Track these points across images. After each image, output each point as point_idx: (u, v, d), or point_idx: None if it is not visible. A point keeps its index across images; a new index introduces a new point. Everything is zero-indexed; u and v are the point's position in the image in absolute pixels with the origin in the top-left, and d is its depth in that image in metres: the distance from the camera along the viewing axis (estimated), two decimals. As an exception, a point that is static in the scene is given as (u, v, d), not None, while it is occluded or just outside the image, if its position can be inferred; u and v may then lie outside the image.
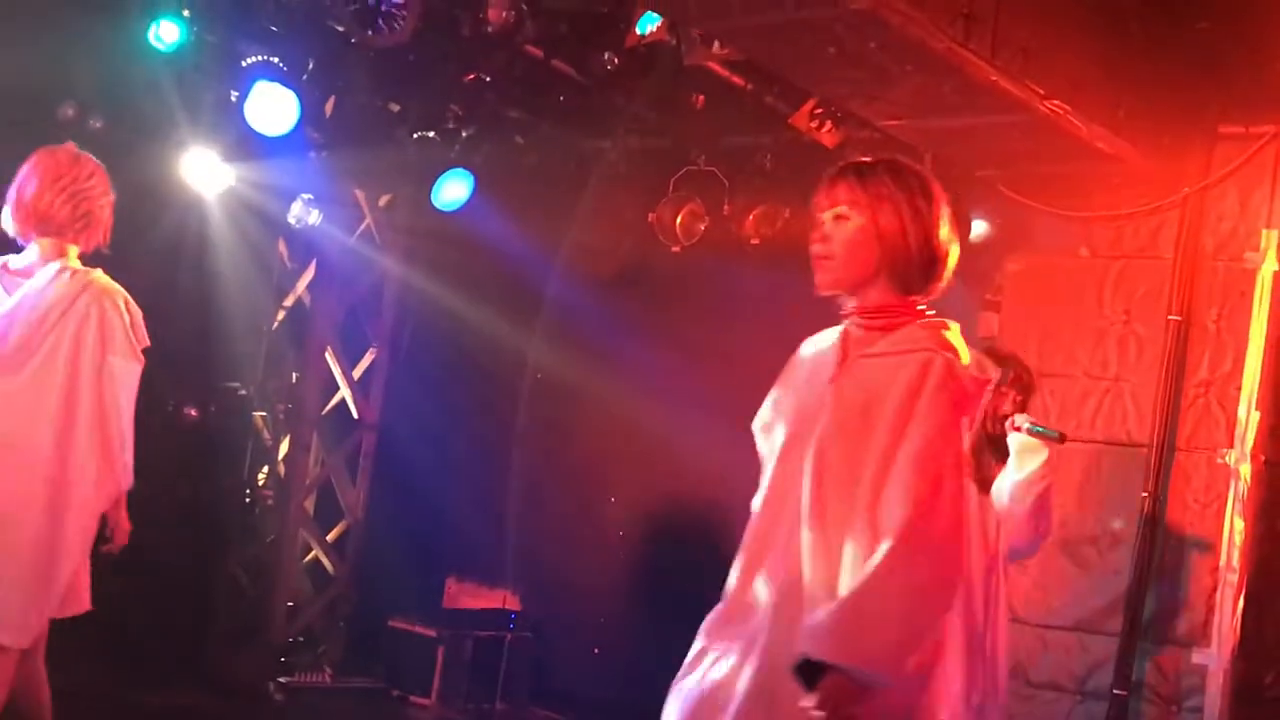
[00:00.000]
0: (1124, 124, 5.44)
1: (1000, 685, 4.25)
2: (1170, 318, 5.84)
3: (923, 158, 6.15)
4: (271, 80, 6.11)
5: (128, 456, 4.26)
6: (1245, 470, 5.54)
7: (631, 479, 7.69)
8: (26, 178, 4.29)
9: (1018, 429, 4.44)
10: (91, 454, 4.19)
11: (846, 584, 2.85)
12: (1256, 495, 5.55)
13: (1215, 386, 5.74)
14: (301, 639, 7.86)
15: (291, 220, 7.46)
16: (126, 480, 4.28)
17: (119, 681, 6.73)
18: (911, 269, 3.04)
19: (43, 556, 4.11)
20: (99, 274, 4.30)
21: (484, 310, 7.83)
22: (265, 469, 8.10)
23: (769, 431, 3.18)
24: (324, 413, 8.31)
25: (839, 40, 4.62)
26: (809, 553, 2.94)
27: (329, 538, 8.31)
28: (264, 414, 8.10)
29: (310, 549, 8.32)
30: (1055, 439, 4.34)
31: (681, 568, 7.35)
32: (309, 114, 6.28)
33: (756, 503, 3.12)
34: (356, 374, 8.37)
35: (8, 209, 4.33)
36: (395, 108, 6.95)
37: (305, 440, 8.18)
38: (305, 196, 7.38)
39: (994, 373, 4.24)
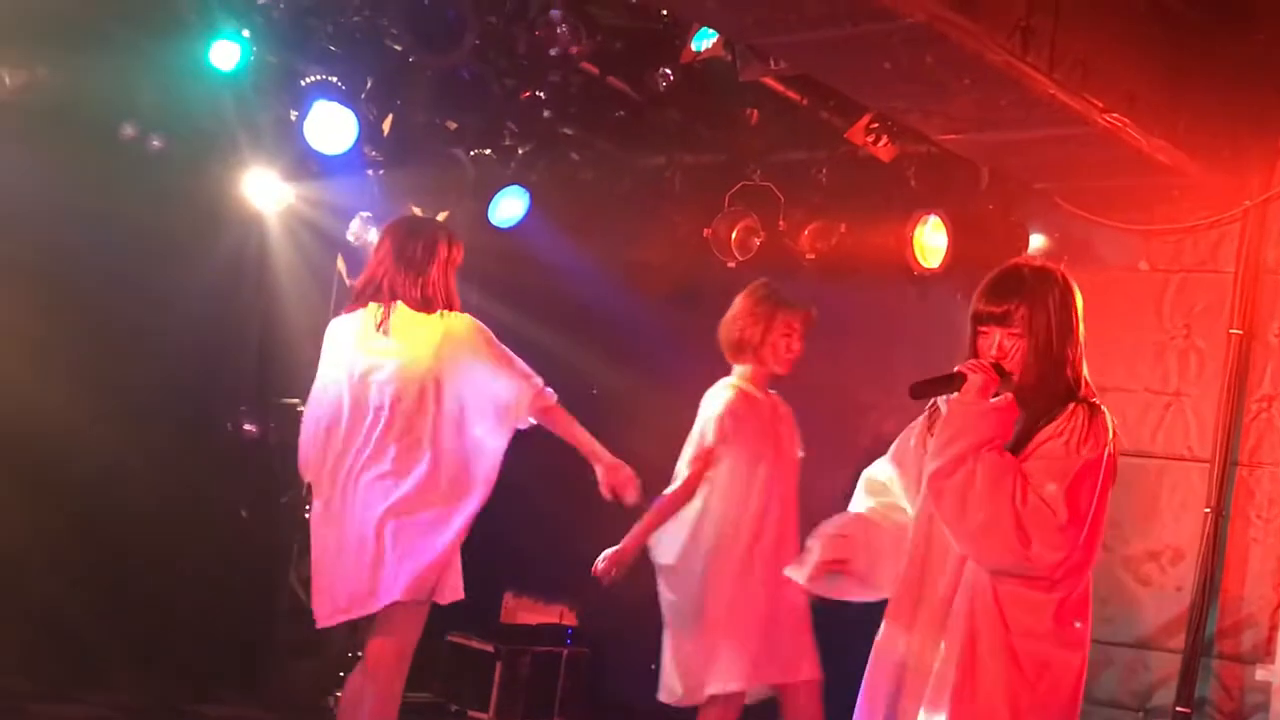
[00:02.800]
0: (1184, 137, 5.39)
1: None
2: (1231, 331, 5.78)
3: (980, 171, 6.15)
4: (330, 99, 6.17)
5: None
6: (1309, 485, 5.48)
7: (687, 494, 7.66)
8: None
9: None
10: None
11: None
12: (1320, 510, 5.50)
13: (1278, 401, 5.69)
14: (360, 654, 7.88)
15: (350, 238, 7.52)
16: None
17: (180, 695, 6.79)
18: None
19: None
20: (732, 384, 5.65)
21: (539, 326, 7.84)
22: (324, 484, 8.14)
23: None
24: (381, 428, 8.34)
25: (895, 54, 4.61)
26: None
27: (387, 553, 8.34)
28: (323, 429, 8.15)
29: (368, 564, 8.36)
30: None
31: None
32: (367, 132, 6.34)
33: None
34: (413, 390, 8.39)
35: None
36: (452, 126, 6.99)
37: (363, 455, 8.22)
38: (364, 214, 7.44)
39: None
